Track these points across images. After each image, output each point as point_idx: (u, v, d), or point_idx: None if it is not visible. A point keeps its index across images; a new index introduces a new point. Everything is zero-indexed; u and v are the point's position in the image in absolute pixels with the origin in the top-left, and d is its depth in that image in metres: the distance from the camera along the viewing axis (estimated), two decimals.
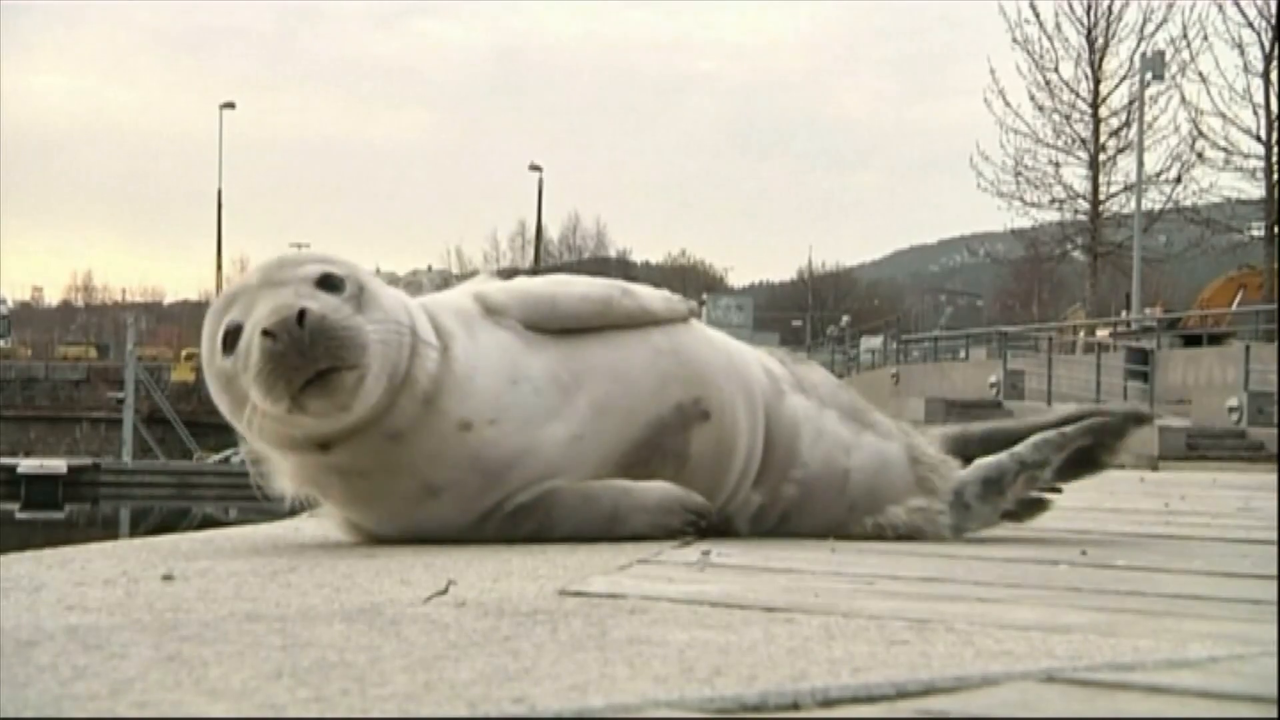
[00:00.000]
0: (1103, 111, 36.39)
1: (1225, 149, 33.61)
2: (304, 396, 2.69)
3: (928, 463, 3.44)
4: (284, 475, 2.99)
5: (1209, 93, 34.07)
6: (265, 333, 2.66)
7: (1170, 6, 35.07)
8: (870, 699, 1.32)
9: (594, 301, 3.16)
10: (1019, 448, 3.45)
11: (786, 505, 3.32)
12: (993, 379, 26.32)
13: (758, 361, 3.41)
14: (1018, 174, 36.75)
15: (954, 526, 3.36)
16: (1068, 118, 36.40)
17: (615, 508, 3.02)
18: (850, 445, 3.40)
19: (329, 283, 2.79)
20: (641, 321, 3.18)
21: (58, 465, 35.28)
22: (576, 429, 3.01)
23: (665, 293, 3.31)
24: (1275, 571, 2.57)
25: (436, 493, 2.92)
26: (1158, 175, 35.41)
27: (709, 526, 3.11)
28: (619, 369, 3.09)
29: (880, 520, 3.34)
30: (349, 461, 2.89)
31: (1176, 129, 35.19)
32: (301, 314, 2.66)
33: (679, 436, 3.12)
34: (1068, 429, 3.50)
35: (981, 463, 3.46)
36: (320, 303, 2.73)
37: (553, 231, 76.29)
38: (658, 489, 3.06)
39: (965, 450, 3.55)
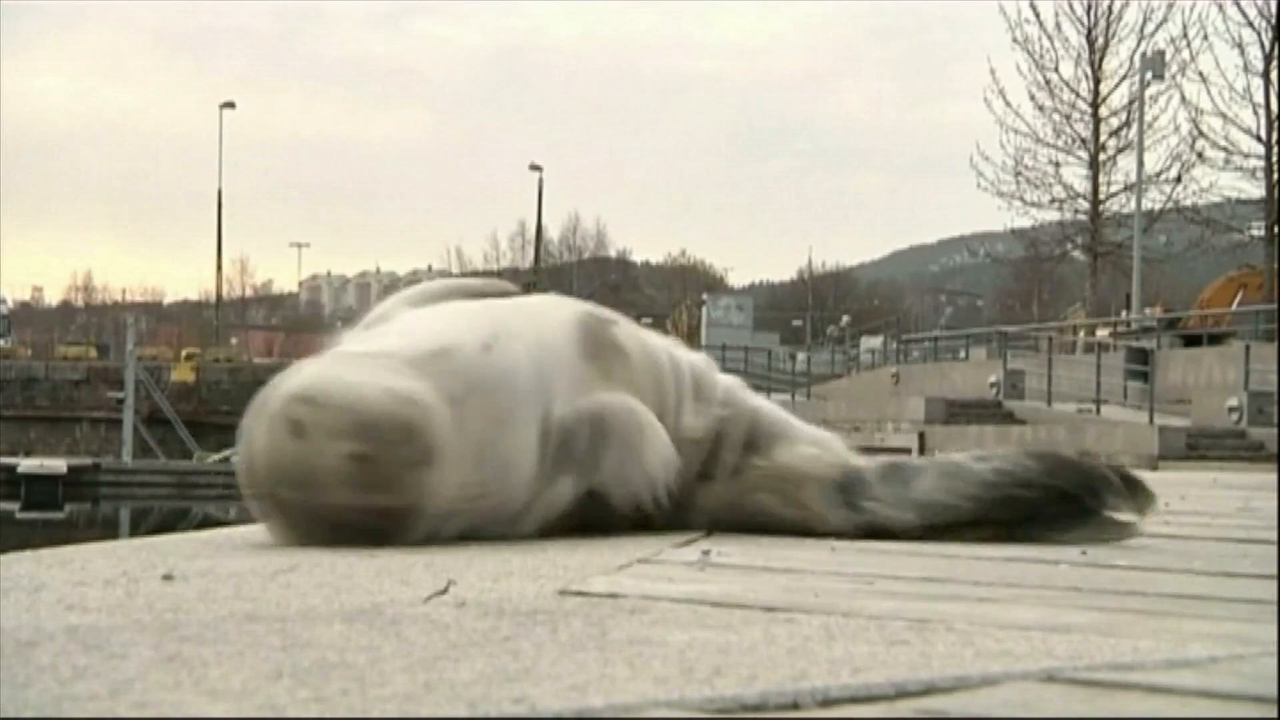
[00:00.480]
0: (1103, 111, 36.40)
1: (1225, 149, 33.63)
2: None
3: (827, 436, 3.48)
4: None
5: (1209, 92, 34.00)
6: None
7: (1170, 6, 35.07)
8: (870, 699, 1.32)
9: (453, 282, 3.58)
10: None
11: (722, 424, 3.35)
12: (993, 379, 26.36)
13: None
14: (1018, 174, 36.76)
15: (842, 487, 3.21)
16: (1068, 117, 36.42)
17: (649, 437, 3.12)
18: (752, 396, 3.55)
19: None
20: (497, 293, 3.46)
21: (58, 465, 35.19)
22: (543, 340, 3.11)
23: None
24: (1275, 571, 2.57)
25: (509, 419, 2.98)
26: (1158, 175, 35.42)
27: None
28: (519, 302, 3.35)
29: (771, 462, 3.31)
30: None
31: (1176, 129, 35.19)
32: None
33: (604, 333, 3.23)
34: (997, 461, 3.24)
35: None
36: None
37: (553, 232, 76.38)
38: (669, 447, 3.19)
39: None
